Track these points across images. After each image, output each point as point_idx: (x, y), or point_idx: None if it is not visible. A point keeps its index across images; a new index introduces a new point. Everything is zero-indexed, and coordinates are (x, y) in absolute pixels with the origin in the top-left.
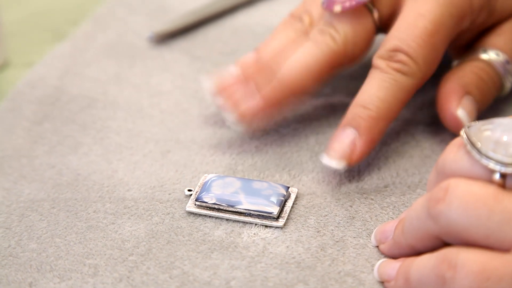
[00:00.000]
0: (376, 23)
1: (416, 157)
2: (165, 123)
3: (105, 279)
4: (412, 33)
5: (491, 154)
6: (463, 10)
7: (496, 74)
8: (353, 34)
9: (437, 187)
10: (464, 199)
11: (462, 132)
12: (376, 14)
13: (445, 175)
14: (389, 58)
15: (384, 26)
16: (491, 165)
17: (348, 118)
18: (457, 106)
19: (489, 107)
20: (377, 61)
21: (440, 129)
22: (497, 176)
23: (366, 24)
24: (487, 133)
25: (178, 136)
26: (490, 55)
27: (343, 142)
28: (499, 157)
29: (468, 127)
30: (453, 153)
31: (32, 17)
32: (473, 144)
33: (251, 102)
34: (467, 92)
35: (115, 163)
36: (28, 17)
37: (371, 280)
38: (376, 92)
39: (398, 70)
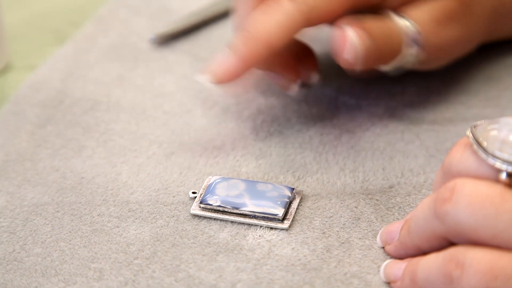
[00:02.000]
0: None
1: (421, 156)
2: (168, 124)
3: (110, 283)
4: None
5: (497, 153)
6: None
7: (397, 35)
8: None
9: (443, 187)
10: (471, 198)
11: (468, 132)
12: None
13: (451, 175)
14: None
15: None
16: (498, 164)
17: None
18: (349, 27)
19: (491, 104)
20: None
21: (445, 128)
22: (503, 176)
23: None
24: (494, 132)
25: (181, 138)
26: (401, 20)
27: (217, 61)
28: (505, 156)
29: (474, 127)
30: (460, 153)
31: (34, 19)
32: (479, 144)
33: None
34: (364, 29)
35: (119, 166)
36: (29, 20)
37: (378, 281)
38: (259, 16)
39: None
